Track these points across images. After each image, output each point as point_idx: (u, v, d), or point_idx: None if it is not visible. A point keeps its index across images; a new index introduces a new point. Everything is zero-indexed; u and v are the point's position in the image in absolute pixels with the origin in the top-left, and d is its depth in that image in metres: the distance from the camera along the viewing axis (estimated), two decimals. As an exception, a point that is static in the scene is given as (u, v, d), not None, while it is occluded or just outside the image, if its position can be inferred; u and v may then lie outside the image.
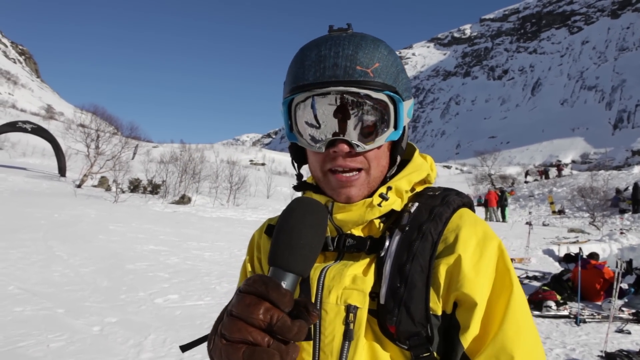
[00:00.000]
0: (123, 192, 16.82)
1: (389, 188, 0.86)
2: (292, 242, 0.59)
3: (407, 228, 0.83)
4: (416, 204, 0.87)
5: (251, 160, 53.36)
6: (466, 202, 0.91)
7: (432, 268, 0.79)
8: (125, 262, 6.98)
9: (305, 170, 0.98)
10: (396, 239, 0.82)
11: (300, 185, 0.95)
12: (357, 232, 0.87)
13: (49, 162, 24.47)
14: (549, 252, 12.20)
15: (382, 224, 0.87)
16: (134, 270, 6.64)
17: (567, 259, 10.66)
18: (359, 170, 0.84)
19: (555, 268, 10.13)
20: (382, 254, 0.82)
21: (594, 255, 8.57)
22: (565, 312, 6.57)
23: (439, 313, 0.79)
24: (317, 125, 0.84)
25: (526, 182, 36.33)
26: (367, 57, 0.81)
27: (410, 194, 0.91)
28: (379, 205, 0.84)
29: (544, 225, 20.45)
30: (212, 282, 6.42)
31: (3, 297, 4.95)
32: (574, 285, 7.38)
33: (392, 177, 0.89)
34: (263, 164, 51.79)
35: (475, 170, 45.87)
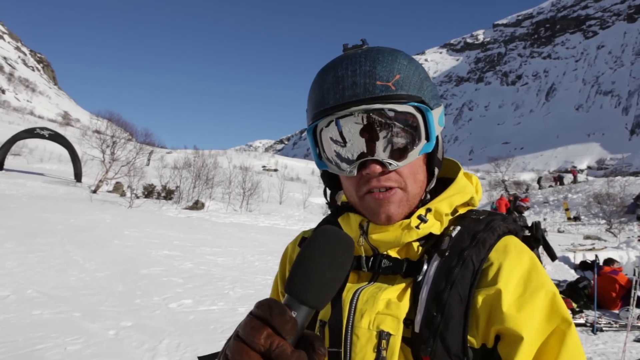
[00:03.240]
0: (137, 197, 17.01)
1: (429, 210, 0.82)
2: (310, 275, 0.57)
3: (447, 253, 0.78)
4: (458, 228, 0.82)
5: (264, 166, 53.60)
6: (512, 229, 0.84)
7: (471, 298, 0.74)
8: (139, 267, 7.05)
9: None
10: (435, 264, 0.77)
11: (336, 211, 0.91)
12: (394, 253, 0.83)
13: (65, 167, 24.87)
14: (565, 260, 12.04)
15: (420, 247, 0.82)
16: (148, 275, 6.71)
17: (583, 266, 10.51)
18: (394, 188, 0.80)
19: (571, 275, 10.00)
20: (419, 279, 0.77)
21: (609, 262, 8.42)
22: (582, 321, 6.47)
23: (477, 346, 0.73)
24: (343, 143, 0.81)
25: (540, 188, 35.91)
26: (386, 70, 0.77)
27: (451, 217, 0.86)
28: (417, 227, 0.80)
29: (559, 231, 20.21)
30: (226, 287, 6.46)
31: (22, 300, 5.04)
32: (590, 292, 7.27)
33: (433, 195, 0.85)
34: (275, 170, 51.97)
35: (488, 177, 45.51)
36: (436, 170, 0.85)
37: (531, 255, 0.79)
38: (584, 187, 30.31)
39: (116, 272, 6.66)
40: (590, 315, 6.67)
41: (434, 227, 0.81)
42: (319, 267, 0.57)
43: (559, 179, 36.88)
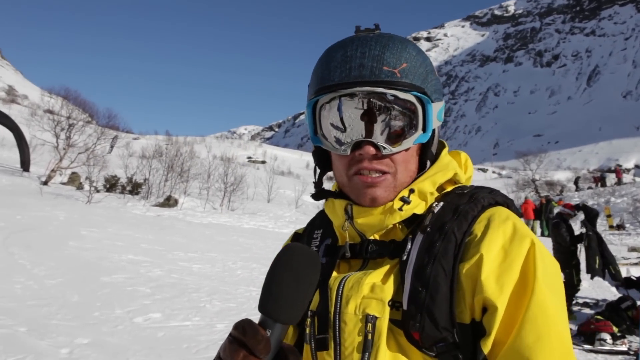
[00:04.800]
0: (98, 191, 16.98)
1: (412, 191, 0.94)
2: (279, 294, 0.70)
3: (428, 229, 0.91)
4: (441, 204, 0.95)
5: (249, 157, 53.61)
6: (500, 201, 0.97)
7: (456, 271, 0.86)
8: (99, 274, 7.06)
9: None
10: (417, 241, 0.90)
11: (319, 194, 1.05)
12: (380, 237, 0.96)
13: (9, 154, 24.77)
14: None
15: (405, 228, 0.95)
16: (109, 283, 6.72)
17: (628, 283, 10.56)
18: (385, 173, 0.93)
19: (612, 294, 10.05)
20: (405, 258, 0.90)
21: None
22: (624, 347, 6.52)
23: (467, 321, 0.85)
24: (343, 128, 0.94)
25: (577, 189, 36.10)
26: (395, 58, 0.90)
27: (436, 194, 0.98)
28: (400, 209, 0.92)
29: (599, 242, 20.27)
30: (202, 300, 6.48)
31: (-43, 310, 5.03)
32: (634, 315, 7.31)
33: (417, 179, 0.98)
34: (263, 162, 51.99)
35: (516, 175, 45.59)
36: (428, 163, 0.98)
37: (515, 222, 0.90)
38: (630, 189, 30.44)
39: (71, 279, 6.66)
40: (635, 341, 6.72)
41: (418, 207, 0.94)
42: (286, 285, 0.70)
43: (600, 180, 37.05)
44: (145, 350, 4.61)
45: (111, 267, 7.55)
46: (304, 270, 0.72)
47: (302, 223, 18.10)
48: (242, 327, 0.68)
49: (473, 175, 1.08)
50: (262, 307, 0.70)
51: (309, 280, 0.72)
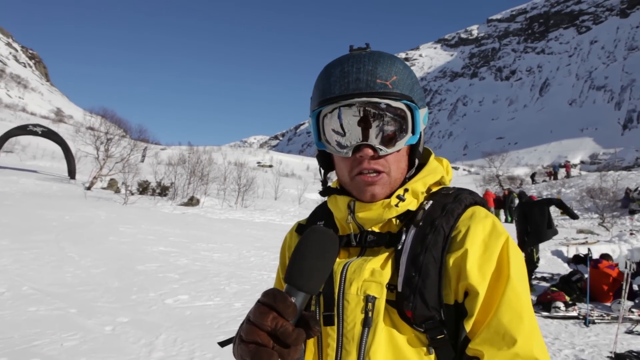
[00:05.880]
0: (132, 194, 16.95)
1: (406, 190, 0.94)
2: (303, 267, 0.70)
3: (421, 223, 0.91)
4: (430, 202, 0.95)
5: (259, 162, 53.45)
6: (478, 201, 0.98)
7: (444, 260, 0.87)
8: (135, 263, 7.06)
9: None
10: (411, 233, 0.91)
11: (326, 191, 1.04)
12: (377, 229, 0.96)
13: (58, 164, 24.74)
14: (558, 253, 12.15)
15: (399, 222, 0.95)
16: (144, 271, 6.72)
17: (576, 260, 10.60)
18: (381, 172, 0.92)
19: (564, 269, 10.10)
20: (400, 248, 0.90)
21: (606, 257, 8.52)
22: (574, 313, 6.55)
23: (452, 302, 0.86)
24: (343, 133, 0.93)
25: (533, 182, 36.12)
26: (386, 72, 0.90)
27: (426, 194, 0.98)
28: (396, 205, 0.92)
29: (552, 226, 20.29)
30: (222, 283, 6.48)
31: (17, 297, 5.04)
32: (582, 286, 7.35)
33: (411, 179, 0.97)
34: (270, 166, 51.86)
35: (483, 172, 45.58)
36: (416, 161, 0.98)
37: (493, 220, 0.92)
38: (577, 181, 30.48)
39: (112, 268, 6.66)
40: (583, 307, 6.75)
41: (411, 204, 0.94)
42: (309, 260, 0.70)
43: (552, 174, 37.09)
44: (176, 327, 4.62)
45: (145, 257, 7.55)
46: (326, 249, 0.72)
47: (304, 216, 18.06)
48: (273, 294, 0.67)
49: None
50: (288, 278, 0.69)
51: (329, 257, 0.72)
